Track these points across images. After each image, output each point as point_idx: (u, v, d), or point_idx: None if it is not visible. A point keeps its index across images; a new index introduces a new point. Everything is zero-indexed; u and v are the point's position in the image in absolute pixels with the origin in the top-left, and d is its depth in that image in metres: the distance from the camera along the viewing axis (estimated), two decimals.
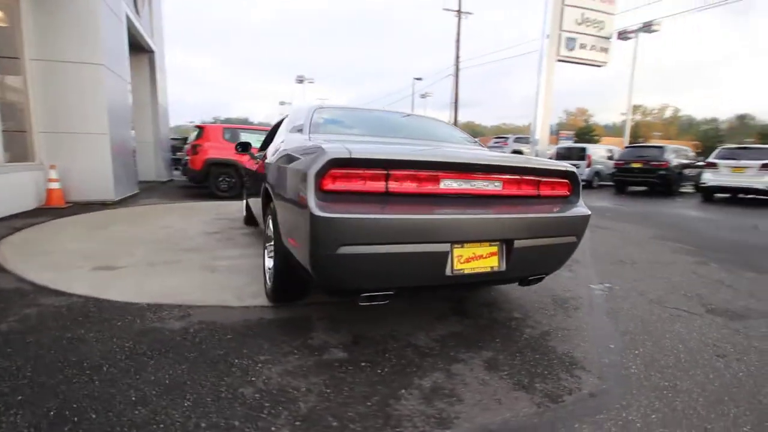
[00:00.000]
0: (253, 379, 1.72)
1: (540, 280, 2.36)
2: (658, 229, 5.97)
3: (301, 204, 1.78)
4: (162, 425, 1.40)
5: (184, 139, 11.11)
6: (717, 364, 2.01)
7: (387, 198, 1.83)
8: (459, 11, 23.53)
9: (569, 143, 22.92)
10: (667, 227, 6.16)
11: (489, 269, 2.00)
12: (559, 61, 14.36)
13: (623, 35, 17.28)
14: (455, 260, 1.91)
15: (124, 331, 2.11)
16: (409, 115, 3.56)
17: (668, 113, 60.00)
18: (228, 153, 7.79)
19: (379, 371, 1.83)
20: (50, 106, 6.28)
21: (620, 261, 4.01)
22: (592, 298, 2.91)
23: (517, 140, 17.44)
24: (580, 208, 2.30)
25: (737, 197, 10.50)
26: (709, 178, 10.06)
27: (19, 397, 1.52)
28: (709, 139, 43.28)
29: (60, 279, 2.86)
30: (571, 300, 2.85)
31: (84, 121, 6.49)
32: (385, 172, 1.82)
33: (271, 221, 2.54)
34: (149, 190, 8.94)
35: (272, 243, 2.50)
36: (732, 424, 1.54)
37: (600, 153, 14.52)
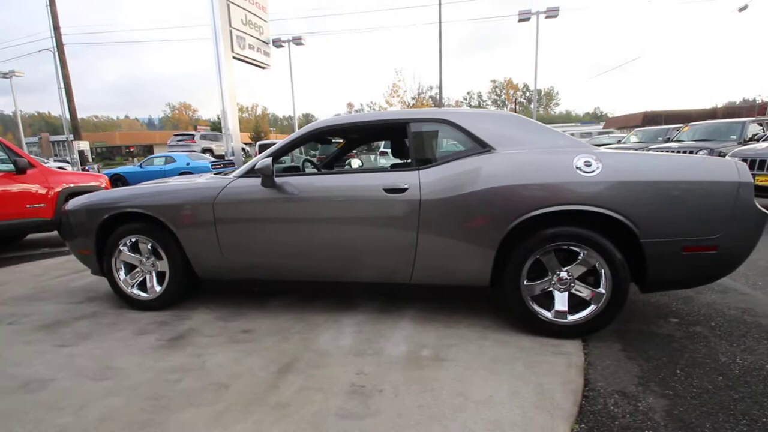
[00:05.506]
0: None
1: None
2: None
3: (742, 207, 2.16)
4: None
5: None
6: None
7: None
8: None
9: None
10: None
11: None
12: (235, 58, 14.49)
13: (277, 43, 19.23)
14: None
15: None
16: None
17: (259, 111, 70.50)
18: None
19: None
20: None
21: None
22: None
23: (204, 137, 15.90)
24: None
25: None
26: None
27: None
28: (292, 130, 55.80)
29: None
30: None
31: None
32: None
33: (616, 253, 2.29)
34: None
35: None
36: None
37: None
